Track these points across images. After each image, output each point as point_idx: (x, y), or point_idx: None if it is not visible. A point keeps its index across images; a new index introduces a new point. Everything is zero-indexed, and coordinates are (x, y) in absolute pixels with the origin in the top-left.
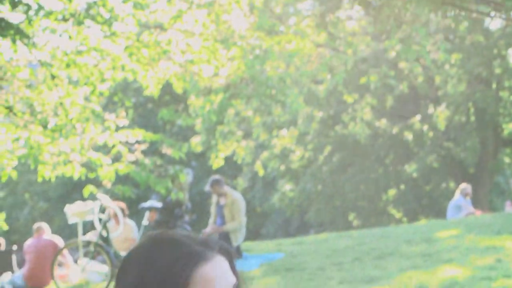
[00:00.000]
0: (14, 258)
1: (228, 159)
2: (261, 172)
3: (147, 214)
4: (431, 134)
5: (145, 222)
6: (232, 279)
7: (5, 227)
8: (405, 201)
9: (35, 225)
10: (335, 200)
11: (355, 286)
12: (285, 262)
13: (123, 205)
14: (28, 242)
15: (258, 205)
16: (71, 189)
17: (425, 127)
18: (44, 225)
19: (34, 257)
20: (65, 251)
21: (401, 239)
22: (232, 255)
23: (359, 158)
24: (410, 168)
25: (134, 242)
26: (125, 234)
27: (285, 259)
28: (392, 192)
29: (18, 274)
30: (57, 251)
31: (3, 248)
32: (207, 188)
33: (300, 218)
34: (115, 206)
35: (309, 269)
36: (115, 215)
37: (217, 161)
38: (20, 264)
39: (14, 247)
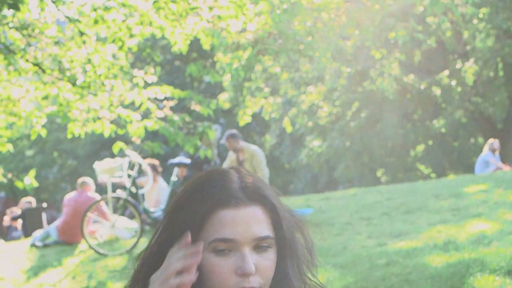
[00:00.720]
0: (44, 215)
1: (256, 116)
2: (289, 129)
3: (176, 170)
4: (459, 89)
5: (174, 178)
6: (259, 232)
7: (35, 184)
8: (433, 156)
9: (80, 180)
10: (363, 156)
11: (384, 241)
12: (313, 218)
13: (156, 162)
14: (69, 196)
15: (286, 162)
16: (100, 147)
17: (453, 82)
18: (89, 181)
19: (72, 211)
20: (101, 206)
21: (430, 194)
22: (277, 210)
23: (387, 114)
24: (438, 124)
25: (163, 203)
26: (156, 195)
27: (313, 215)
28: (420, 148)
29: (53, 226)
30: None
31: (33, 206)
32: (222, 141)
33: (329, 174)
34: (143, 162)
35: (337, 224)
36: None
37: (244, 118)
38: (50, 222)
39: (44, 205)
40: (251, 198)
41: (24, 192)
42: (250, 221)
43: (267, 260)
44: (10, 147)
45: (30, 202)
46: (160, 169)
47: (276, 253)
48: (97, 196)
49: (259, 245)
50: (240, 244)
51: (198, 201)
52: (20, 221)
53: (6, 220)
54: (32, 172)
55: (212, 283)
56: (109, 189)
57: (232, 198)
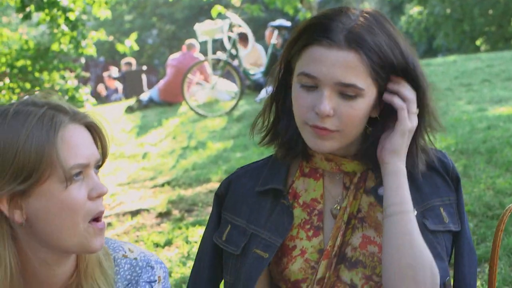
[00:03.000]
0: (144, 78)
1: None
2: None
3: (275, 33)
4: None
5: (273, 40)
6: (343, 78)
7: (136, 48)
8: None
9: (187, 41)
10: (463, 24)
11: (483, 106)
12: None
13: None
14: (173, 56)
15: None
16: (198, 11)
17: None
18: (195, 43)
19: (175, 71)
20: (203, 68)
21: None
22: (379, 62)
23: None
24: None
25: (262, 65)
26: (254, 58)
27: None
28: None
29: (155, 88)
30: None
31: (134, 68)
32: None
33: (428, 42)
34: (244, 24)
35: (437, 90)
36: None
37: None
38: (149, 86)
39: (144, 68)
40: (350, 43)
41: (123, 57)
42: (337, 65)
43: (351, 108)
44: (108, 13)
45: (130, 63)
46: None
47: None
48: (201, 58)
49: (344, 92)
50: (322, 84)
51: (301, 33)
52: (120, 83)
53: (105, 85)
54: (134, 36)
55: (294, 110)
56: (210, 51)
57: (328, 38)
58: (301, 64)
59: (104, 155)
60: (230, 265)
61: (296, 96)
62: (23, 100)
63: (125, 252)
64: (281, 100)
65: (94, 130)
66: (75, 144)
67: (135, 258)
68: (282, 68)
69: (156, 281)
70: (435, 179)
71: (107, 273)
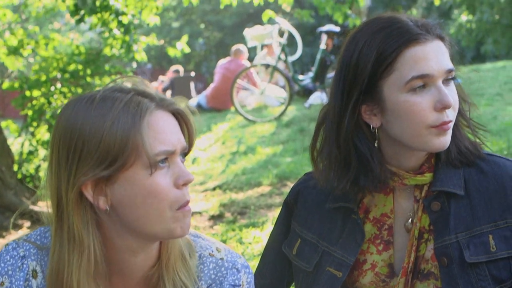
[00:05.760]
0: (192, 84)
1: None
2: (436, 1)
3: (324, 38)
4: None
5: (322, 46)
6: (447, 64)
7: (187, 50)
8: None
9: (234, 47)
10: None
11: None
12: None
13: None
14: (221, 62)
15: None
16: (246, 18)
17: None
18: (243, 48)
19: (222, 77)
20: (251, 73)
21: None
22: (452, 43)
23: None
24: None
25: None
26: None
27: (462, 85)
28: None
29: (203, 94)
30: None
31: (181, 74)
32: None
33: (476, 49)
34: (293, 30)
35: (487, 95)
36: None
37: None
38: (198, 91)
39: (192, 74)
40: (432, 33)
41: (170, 64)
42: (438, 55)
43: (454, 93)
44: (157, 19)
45: (178, 71)
46: None
47: None
48: (248, 64)
49: (446, 78)
50: (435, 79)
51: (381, 43)
52: (168, 90)
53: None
54: (185, 38)
55: (408, 123)
56: (259, 56)
57: (418, 35)
58: (402, 73)
59: (190, 143)
60: (301, 279)
61: (411, 104)
62: (110, 86)
63: (212, 251)
64: (358, 139)
65: (181, 117)
66: (161, 130)
67: (221, 258)
68: (356, 105)
69: (240, 285)
70: (494, 199)
71: (190, 268)
